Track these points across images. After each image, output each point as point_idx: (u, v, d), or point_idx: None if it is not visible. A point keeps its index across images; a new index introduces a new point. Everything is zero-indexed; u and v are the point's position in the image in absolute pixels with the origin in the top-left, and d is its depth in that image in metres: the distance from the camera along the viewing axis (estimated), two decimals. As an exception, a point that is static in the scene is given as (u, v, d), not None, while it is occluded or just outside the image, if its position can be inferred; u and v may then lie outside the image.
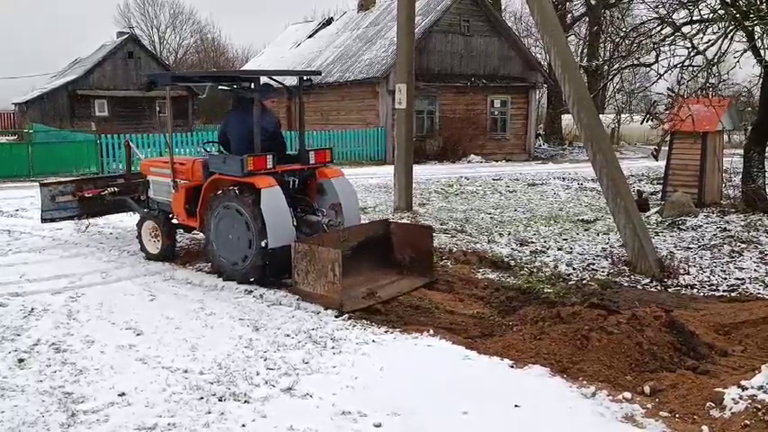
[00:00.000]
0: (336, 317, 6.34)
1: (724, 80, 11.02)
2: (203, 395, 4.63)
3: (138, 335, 5.89)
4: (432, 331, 5.83)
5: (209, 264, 8.41)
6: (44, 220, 9.81)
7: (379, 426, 4.23)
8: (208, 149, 8.60)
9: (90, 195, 9.69)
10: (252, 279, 7.27)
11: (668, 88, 11.34)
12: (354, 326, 6.10)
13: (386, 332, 5.95)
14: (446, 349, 5.49)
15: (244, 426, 4.22)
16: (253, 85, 7.62)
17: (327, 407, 4.47)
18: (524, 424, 4.26)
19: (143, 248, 8.78)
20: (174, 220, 8.65)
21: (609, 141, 9.57)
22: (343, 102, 26.88)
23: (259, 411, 4.41)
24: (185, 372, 5.05)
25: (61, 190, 9.70)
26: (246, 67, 36.60)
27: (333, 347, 5.55)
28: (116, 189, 9.76)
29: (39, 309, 6.58)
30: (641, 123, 12.10)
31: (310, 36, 33.51)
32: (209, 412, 4.39)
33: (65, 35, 75.65)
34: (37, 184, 10.69)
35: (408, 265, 7.63)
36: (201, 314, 6.46)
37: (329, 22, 34.00)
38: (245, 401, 4.56)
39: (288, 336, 5.82)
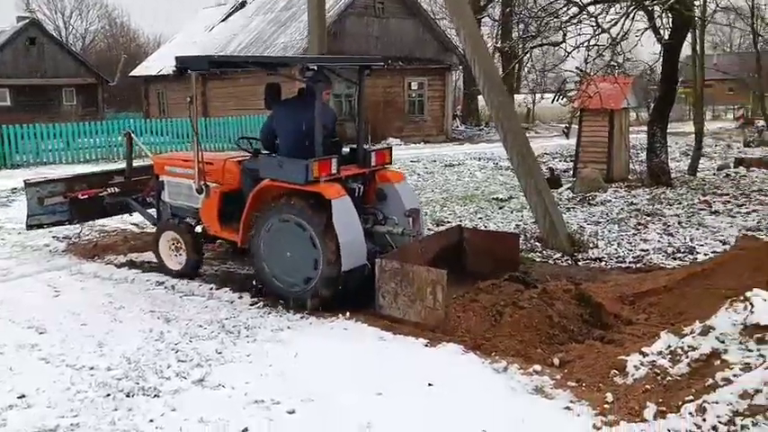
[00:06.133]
0: (251, 305, 6.25)
1: (628, 58, 11.38)
2: (110, 392, 4.46)
3: (40, 333, 5.62)
4: (348, 314, 5.81)
5: (118, 256, 8.13)
6: (30, 227, 8.33)
7: (292, 412, 4.18)
8: (243, 146, 7.27)
9: (85, 197, 8.38)
10: (320, 303, 6.06)
11: (577, 67, 11.64)
12: (269, 313, 6.02)
13: (302, 318, 5.90)
14: (362, 331, 5.50)
15: (152, 421, 4.10)
16: (313, 73, 6.26)
17: (240, 396, 4.39)
18: (438, 401, 4.29)
19: (161, 263, 7.43)
20: (198, 229, 7.39)
21: (518, 121, 9.74)
22: (260, 86, 26.30)
23: (169, 405, 4.29)
24: (91, 369, 4.85)
25: (51, 190, 8.28)
26: (158, 53, 35.39)
27: (247, 336, 5.46)
28: (116, 189, 8.51)
29: (-68, 311, 6.21)
30: (552, 102, 12.39)
31: (223, 20, 32.72)
32: (116, 409, 4.24)
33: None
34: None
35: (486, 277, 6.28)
36: (110, 308, 6.24)
37: (243, 5, 33.19)
38: (155, 396, 4.43)
39: (200, 326, 5.69)
